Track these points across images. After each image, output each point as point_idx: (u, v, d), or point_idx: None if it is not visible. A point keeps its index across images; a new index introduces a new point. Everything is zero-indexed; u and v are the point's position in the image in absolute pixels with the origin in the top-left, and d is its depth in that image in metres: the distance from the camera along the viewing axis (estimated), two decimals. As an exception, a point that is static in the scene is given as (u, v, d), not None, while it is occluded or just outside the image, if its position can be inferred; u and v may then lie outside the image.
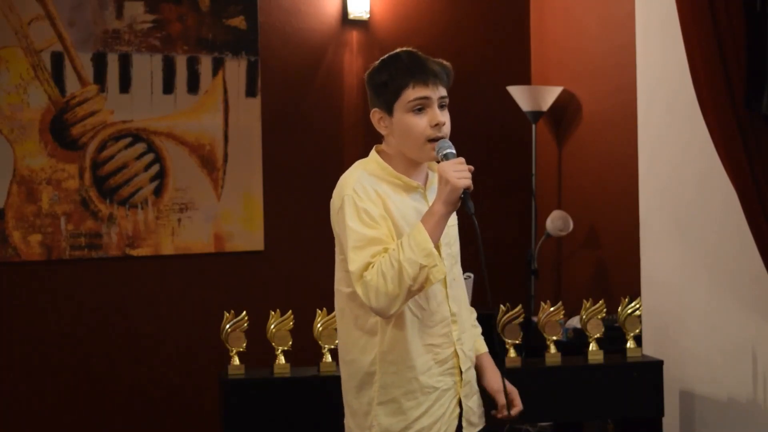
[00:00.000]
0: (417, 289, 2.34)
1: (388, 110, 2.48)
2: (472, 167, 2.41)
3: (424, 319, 2.49)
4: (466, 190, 2.37)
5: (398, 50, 2.54)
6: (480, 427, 2.64)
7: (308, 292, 4.98)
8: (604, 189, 5.35)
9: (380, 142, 2.60)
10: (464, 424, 2.57)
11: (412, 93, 2.44)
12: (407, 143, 2.48)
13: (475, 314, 2.77)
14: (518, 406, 2.62)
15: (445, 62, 2.53)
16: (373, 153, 2.57)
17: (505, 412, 2.59)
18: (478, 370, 2.68)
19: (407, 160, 2.51)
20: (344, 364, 2.59)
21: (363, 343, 2.50)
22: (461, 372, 2.55)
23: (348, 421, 2.59)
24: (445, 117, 2.47)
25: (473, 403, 2.61)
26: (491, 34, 5.84)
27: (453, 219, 2.57)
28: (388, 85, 2.47)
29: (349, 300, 2.51)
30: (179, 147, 5.14)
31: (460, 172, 2.36)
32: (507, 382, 2.63)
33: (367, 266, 2.36)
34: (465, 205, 2.38)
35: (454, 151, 2.43)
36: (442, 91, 2.48)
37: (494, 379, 2.66)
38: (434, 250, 2.33)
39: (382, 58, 2.55)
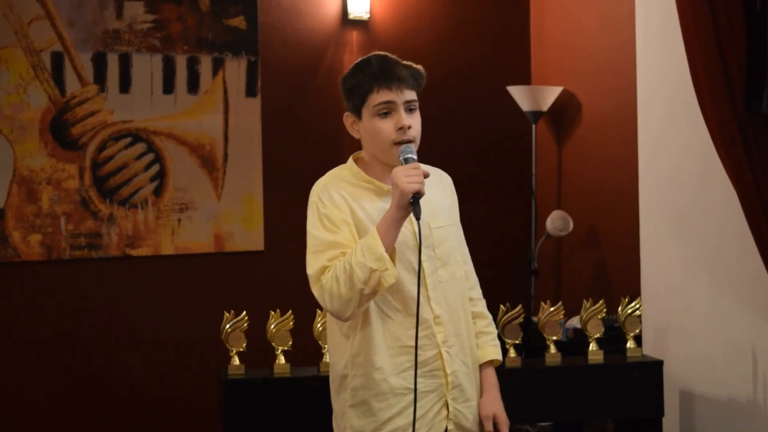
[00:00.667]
0: (369, 293, 2.36)
1: (358, 114, 2.52)
2: (427, 172, 2.40)
3: (401, 321, 2.50)
4: (416, 195, 2.35)
5: (370, 55, 2.56)
6: None
7: (308, 292, 4.94)
8: (604, 189, 5.35)
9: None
10: (451, 426, 2.55)
11: (377, 97, 2.46)
12: (376, 146, 2.51)
13: (486, 320, 2.72)
14: None
15: (415, 66, 2.54)
16: (349, 160, 2.60)
17: None
18: (480, 384, 2.66)
19: (382, 164, 2.53)
20: (330, 366, 2.65)
21: (341, 347, 2.56)
22: (447, 374, 2.54)
23: (333, 423, 2.64)
24: (411, 120, 2.48)
25: (465, 408, 2.59)
26: (491, 34, 5.84)
27: (441, 221, 2.56)
28: (355, 90, 2.50)
29: None
30: (179, 147, 5.14)
31: (410, 177, 2.35)
32: (500, 410, 2.62)
33: (323, 270, 2.41)
34: (414, 209, 2.37)
35: (414, 156, 2.44)
36: (409, 95, 2.49)
37: (486, 404, 2.63)
38: (385, 255, 2.34)
39: (355, 62, 2.58)
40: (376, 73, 2.47)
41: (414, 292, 2.46)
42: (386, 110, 2.46)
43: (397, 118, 2.46)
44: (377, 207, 2.50)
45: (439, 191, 2.63)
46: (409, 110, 2.49)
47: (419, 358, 2.49)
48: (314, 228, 2.46)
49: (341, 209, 2.46)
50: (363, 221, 2.47)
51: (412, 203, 2.36)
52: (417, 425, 2.47)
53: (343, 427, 2.55)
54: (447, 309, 2.56)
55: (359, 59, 2.57)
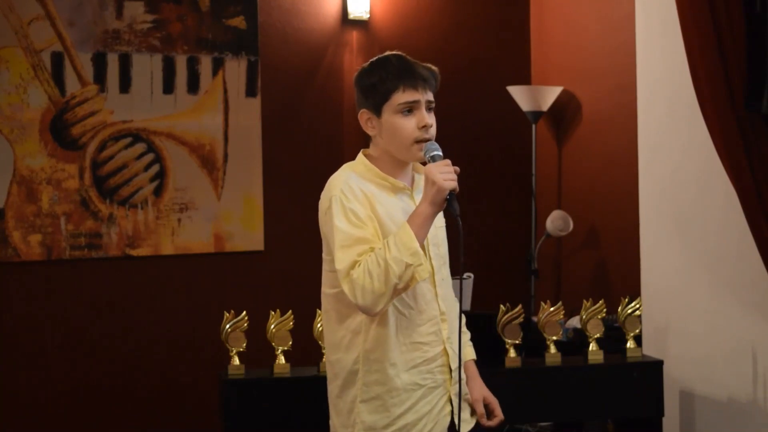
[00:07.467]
0: (403, 287, 2.38)
1: (377, 111, 2.53)
2: (458, 169, 2.44)
3: (412, 318, 2.53)
4: (451, 192, 2.40)
5: (387, 53, 2.58)
6: (473, 425, 2.68)
7: (308, 292, 4.95)
8: (604, 189, 5.35)
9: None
10: (456, 420, 2.59)
11: (402, 96, 2.49)
12: (395, 144, 2.53)
13: (464, 320, 2.75)
14: (498, 416, 2.66)
15: (433, 67, 2.57)
16: (360, 156, 2.61)
17: (484, 420, 2.64)
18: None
19: (394, 161, 2.56)
20: (329, 364, 2.62)
21: (347, 342, 2.54)
22: (451, 370, 2.58)
23: (333, 421, 2.62)
24: (432, 119, 2.53)
25: (465, 402, 2.66)
26: (491, 34, 5.84)
27: (441, 221, 2.61)
28: (377, 87, 2.51)
29: (335, 300, 2.54)
30: (179, 147, 5.14)
31: (446, 174, 2.39)
32: (488, 393, 2.70)
33: (353, 264, 2.39)
34: (450, 206, 2.41)
35: (440, 153, 2.47)
36: (430, 96, 2.54)
37: (475, 388, 2.71)
38: (420, 249, 2.37)
39: (371, 60, 2.59)
40: (399, 72, 2.50)
41: (424, 290, 2.52)
42: (409, 108, 2.49)
43: (420, 116, 2.49)
44: (394, 203, 2.52)
45: None
46: (429, 110, 2.53)
47: (427, 354, 2.54)
48: (341, 223, 2.44)
49: (364, 205, 2.47)
50: (382, 217, 2.48)
51: (448, 200, 2.39)
52: (424, 421, 2.53)
53: (351, 423, 2.54)
54: (447, 306, 2.61)
55: (376, 58, 2.58)
